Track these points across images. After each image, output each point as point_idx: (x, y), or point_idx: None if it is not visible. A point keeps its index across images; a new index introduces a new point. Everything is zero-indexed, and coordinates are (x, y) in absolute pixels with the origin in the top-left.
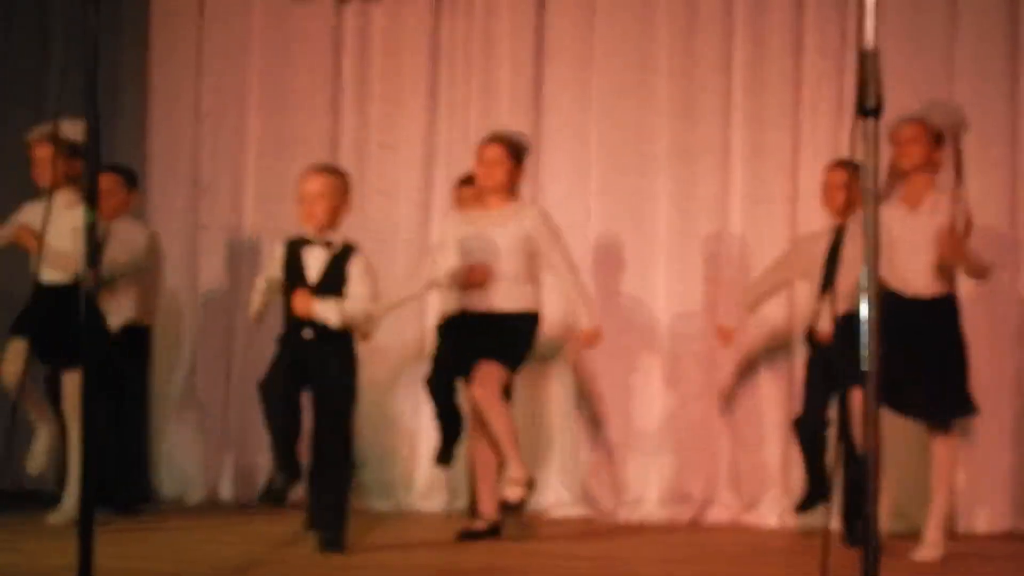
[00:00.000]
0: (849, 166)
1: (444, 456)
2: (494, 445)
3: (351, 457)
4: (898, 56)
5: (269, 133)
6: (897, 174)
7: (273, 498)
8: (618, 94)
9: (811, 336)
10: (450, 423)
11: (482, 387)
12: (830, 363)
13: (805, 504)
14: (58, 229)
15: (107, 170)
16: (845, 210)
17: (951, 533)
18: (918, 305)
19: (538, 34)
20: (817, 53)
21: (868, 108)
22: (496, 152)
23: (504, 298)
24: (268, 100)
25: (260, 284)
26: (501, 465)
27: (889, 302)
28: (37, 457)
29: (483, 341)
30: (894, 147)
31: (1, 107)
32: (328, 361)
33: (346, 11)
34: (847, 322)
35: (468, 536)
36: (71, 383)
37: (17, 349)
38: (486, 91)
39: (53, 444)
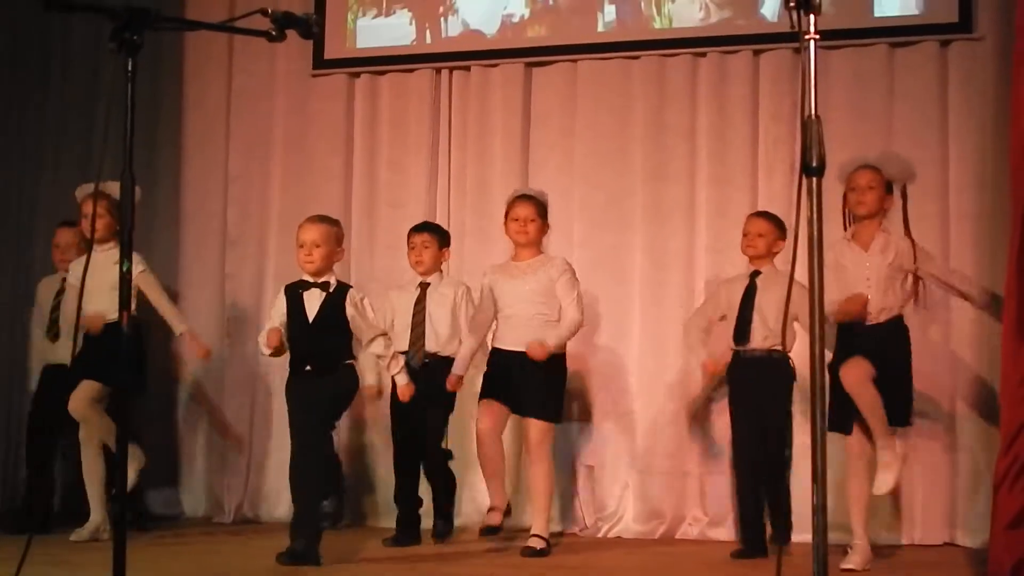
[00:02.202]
0: (767, 217)
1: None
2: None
3: (324, 480)
4: (842, 124)
5: (289, 193)
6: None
7: (297, 559)
8: (597, 159)
9: (730, 374)
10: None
11: (536, 445)
12: (757, 397)
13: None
14: (104, 280)
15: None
16: (763, 256)
17: (893, 546)
18: (869, 330)
19: (526, 106)
20: (772, 121)
21: (811, 168)
22: (529, 210)
23: (536, 338)
24: (289, 164)
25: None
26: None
27: (844, 330)
28: (82, 533)
29: (529, 394)
30: (851, 192)
31: (54, 167)
32: (323, 390)
33: (357, 86)
34: (773, 358)
35: (488, 531)
36: (82, 391)
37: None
38: (481, 156)
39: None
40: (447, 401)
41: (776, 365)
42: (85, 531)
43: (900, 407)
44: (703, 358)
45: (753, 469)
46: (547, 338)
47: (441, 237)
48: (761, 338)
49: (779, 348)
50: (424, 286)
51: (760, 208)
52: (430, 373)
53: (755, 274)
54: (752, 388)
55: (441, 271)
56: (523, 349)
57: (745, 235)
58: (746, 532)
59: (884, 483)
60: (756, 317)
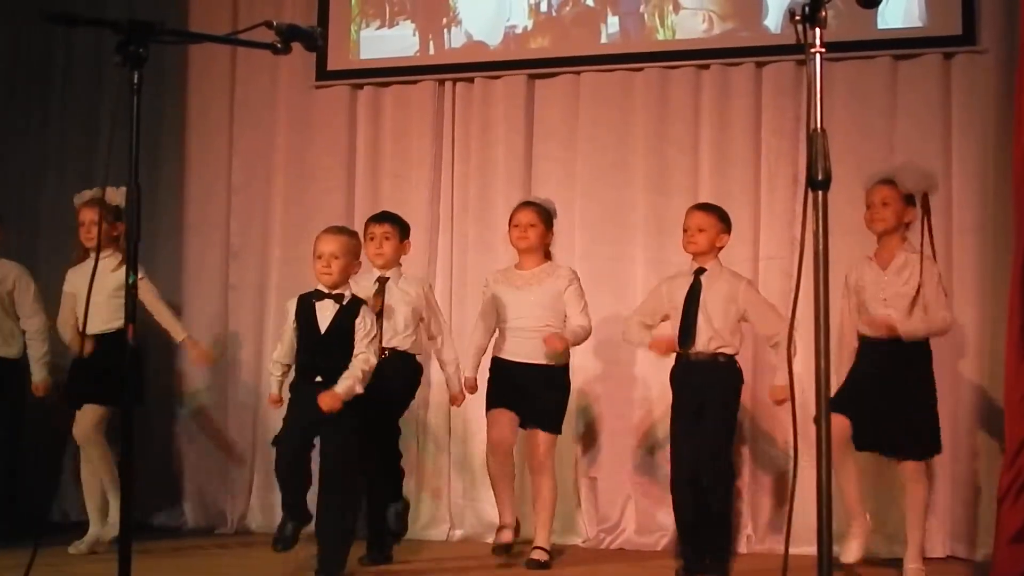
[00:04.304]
0: (708, 209)
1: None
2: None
3: (356, 495)
4: (844, 137)
5: (292, 204)
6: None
7: (283, 544)
8: (599, 172)
9: (673, 379)
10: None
11: (542, 457)
12: (702, 403)
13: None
14: (101, 288)
15: None
16: (705, 253)
17: (896, 559)
18: (889, 349)
19: (529, 118)
20: (774, 135)
21: (817, 182)
22: (530, 216)
23: (541, 352)
24: (291, 175)
25: (275, 369)
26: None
27: (865, 348)
28: (82, 544)
29: (534, 405)
30: (867, 209)
31: (57, 179)
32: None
33: (360, 97)
34: (719, 362)
35: (501, 550)
36: (87, 418)
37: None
38: (483, 168)
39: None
40: (407, 397)
41: (723, 369)
42: (84, 543)
43: (927, 434)
44: (647, 342)
45: (692, 479)
46: (565, 333)
47: (402, 229)
48: (706, 340)
49: (726, 351)
50: (383, 281)
51: (764, 222)
52: (388, 368)
53: (699, 271)
54: (697, 393)
55: (400, 265)
56: (529, 361)
57: (685, 230)
58: (687, 545)
59: (851, 552)
60: (701, 317)
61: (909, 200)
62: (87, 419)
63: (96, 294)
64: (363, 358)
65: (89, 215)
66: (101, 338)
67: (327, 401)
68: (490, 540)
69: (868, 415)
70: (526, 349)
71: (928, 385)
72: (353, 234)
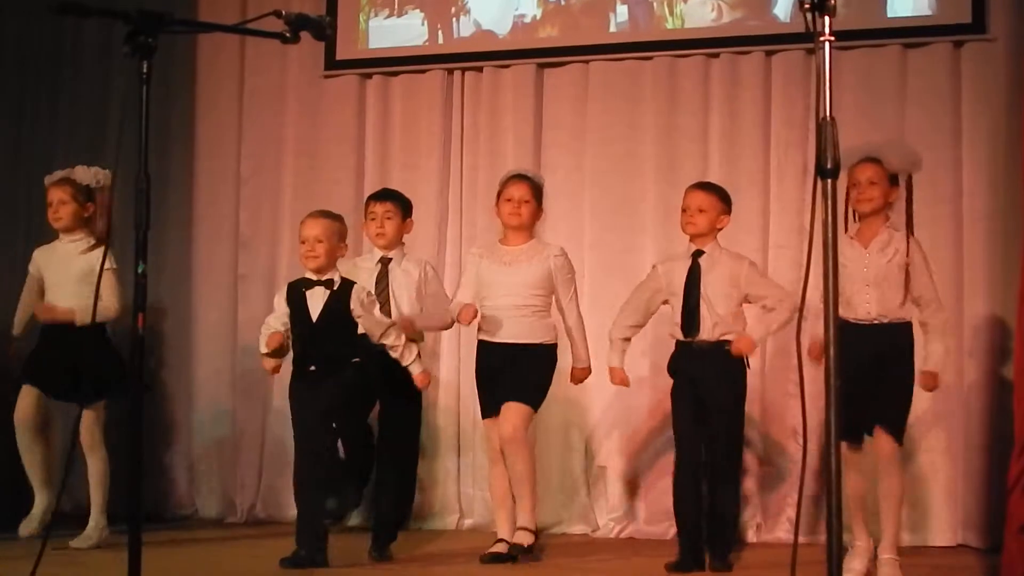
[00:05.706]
0: (708, 189)
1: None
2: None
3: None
4: (853, 125)
5: (301, 195)
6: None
7: (301, 564)
8: (608, 161)
9: (675, 366)
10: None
11: (513, 429)
12: (698, 394)
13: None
14: (68, 272)
15: None
16: (704, 234)
17: (900, 548)
18: (868, 331)
19: (537, 108)
20: (783, 125)
21: (826, 171)
22: (523, 191)
23: (527, 331)
24: (300, 165)
25: (265, 329)
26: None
27: (847, 333)
28: (32, 521)
29: (511, 380)
30: (852, 188)
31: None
32: (328, 391)
33: (369, 87)
34: (724, 349)
35: (491, 559)
36: (88, 419)
37: (28, 394)
38: (492, 158)
39: (49, 510)
40: (413, 388)
41: (727, 356)
42: (92, 538)
43: (901, 416)
44: (614, 364)
45: (695, 471)
46: (579, 358)
47: (404, 207)
48: (710, 327)
49: (730, 337)
50: (385, 262)
51: (773, 211)
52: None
53: (698, 254)
54: (701, 382)
55: (403, 245)
56: (515, 341)
57: (684, 210)
58: (685, 541)
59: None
60: (703, 305)
61: (893, 179)
62: (91, 422)
63: (64, 278)
64: (392, 334)
65: (58, 194)
66: (68, 325)
67: (423, 381)
68: None
69: (856, 404)
70: (512, 329)
71: (910, 369)
72: (337, 217)
